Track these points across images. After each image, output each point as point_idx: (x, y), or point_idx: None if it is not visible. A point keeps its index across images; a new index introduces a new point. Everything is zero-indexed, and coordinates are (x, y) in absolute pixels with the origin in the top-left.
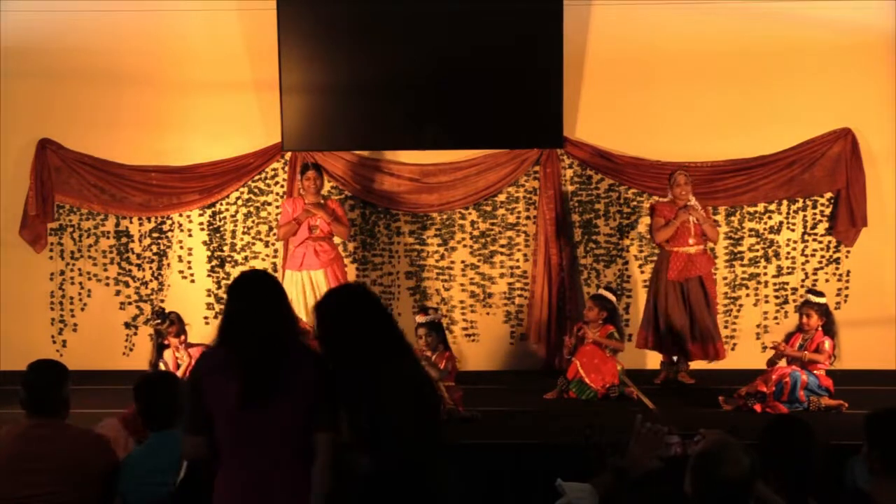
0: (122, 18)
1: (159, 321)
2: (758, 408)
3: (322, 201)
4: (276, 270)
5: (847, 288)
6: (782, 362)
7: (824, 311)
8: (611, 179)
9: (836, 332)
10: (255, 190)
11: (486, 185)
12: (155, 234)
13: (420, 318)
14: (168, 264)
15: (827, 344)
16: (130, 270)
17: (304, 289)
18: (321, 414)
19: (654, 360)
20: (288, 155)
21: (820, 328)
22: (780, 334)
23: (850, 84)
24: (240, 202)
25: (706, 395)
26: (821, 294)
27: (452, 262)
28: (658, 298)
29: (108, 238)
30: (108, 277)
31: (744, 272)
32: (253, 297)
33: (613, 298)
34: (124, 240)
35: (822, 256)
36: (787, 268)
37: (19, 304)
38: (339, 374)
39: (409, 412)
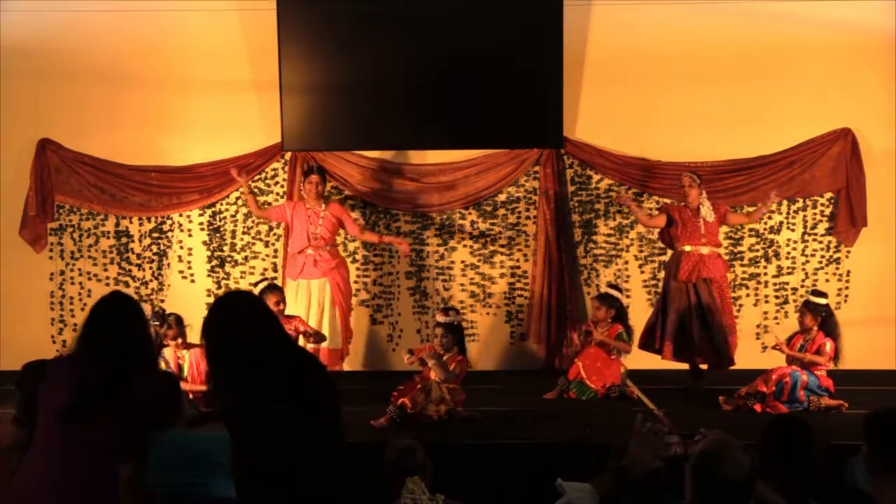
0: (122, 18)
1: (157, 323)
2: (758, 408)
3: (323, 205)
4: (275, 271)
5: (847, 288)
6: (782, 361)
7: (820, 311)
8: (611, 179)
9: (838, 333)
10: (255, 190)
11: (486, 185)
12: (155, 234)
13: (439, 318)
14: (168, 264)
15: (828, 346)
16: (130, 270)
17: (299, 295)
18: (129, 443)
19: (653, 360)
20: (288, 155)
21: (821, 330)
22: (781, 334)
23: (850, 84)
24: (240, 202)
25: (706, 395)
26: (822, 295)
27: (452, 262)
28: (669, 301)
29: (108, 238)
30: (108, 277)
31: (744, 272)
32: (101, 320)
33: (620, 296)
34: (124, 240)
35: (823, 256)
36: (788, 268)
37: (19, 304)
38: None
39: (248, 426)
